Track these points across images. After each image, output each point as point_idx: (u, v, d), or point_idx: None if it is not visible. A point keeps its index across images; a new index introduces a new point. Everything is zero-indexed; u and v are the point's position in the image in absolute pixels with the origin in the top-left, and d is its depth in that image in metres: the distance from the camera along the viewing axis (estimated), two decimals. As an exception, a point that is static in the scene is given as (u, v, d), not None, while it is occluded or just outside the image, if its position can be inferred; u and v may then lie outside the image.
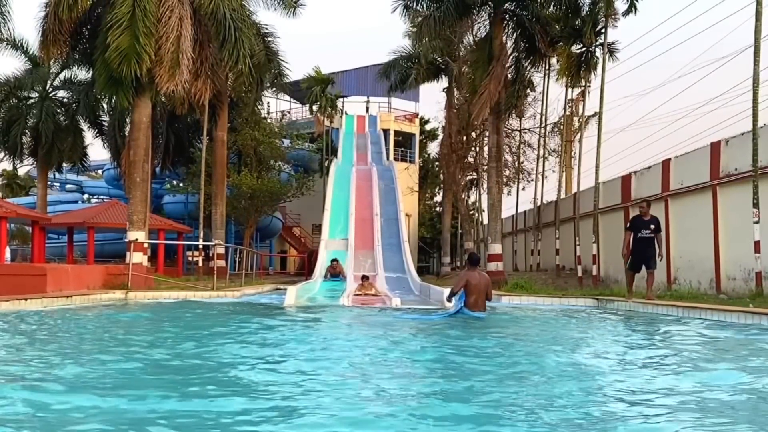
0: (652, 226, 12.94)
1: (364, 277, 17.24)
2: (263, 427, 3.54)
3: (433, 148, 47.65)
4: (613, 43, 24.41)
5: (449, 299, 11.46)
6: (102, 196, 44.41)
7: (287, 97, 43.38)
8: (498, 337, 8.28)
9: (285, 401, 4.18)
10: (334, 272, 20.57)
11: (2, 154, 32.74)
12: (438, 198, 47.92)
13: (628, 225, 13.28)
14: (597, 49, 24.04)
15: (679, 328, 9.25)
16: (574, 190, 27.30)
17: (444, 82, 33.87)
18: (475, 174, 37.39)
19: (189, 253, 32.39)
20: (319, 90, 36.87)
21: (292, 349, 6.96)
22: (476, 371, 5.59)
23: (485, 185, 30.32)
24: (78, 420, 3.65)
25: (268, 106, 42.15)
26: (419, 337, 8.40)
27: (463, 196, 36.26)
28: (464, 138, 33.53)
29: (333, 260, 21.08)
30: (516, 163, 33.93)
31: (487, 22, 23.75)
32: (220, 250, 25.07)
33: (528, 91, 28.52)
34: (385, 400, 4.24)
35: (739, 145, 15.80)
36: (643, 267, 13.30)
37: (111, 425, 3.53)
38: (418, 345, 7.59)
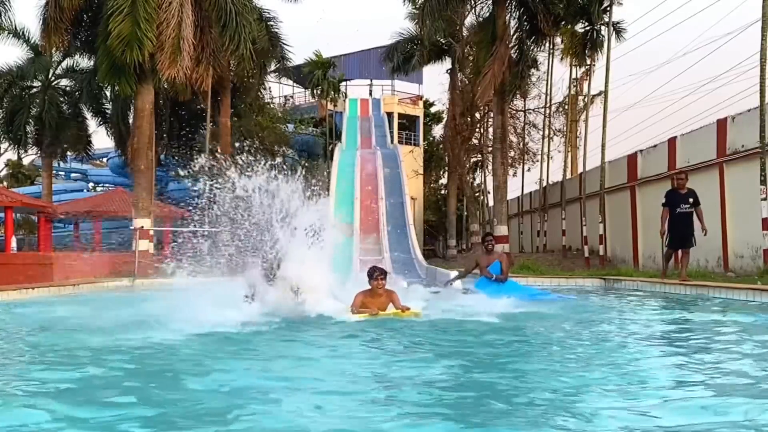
0: (691, 200, 11.78)
1: (376, 273, 8.09)
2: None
3: (438, 130, 47.43)
4: (619, 22, 24.14)
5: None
6: (107, 185, 44.47)
7: (290, 82, 43.20)
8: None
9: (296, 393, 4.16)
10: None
11: (7, 144, 32.81)
12: (443, 181, 47.74)
13: (663, 200, 12.18)
14: (602, 28, 23.81)
15: (693, 309, 9.22)
16: (580, 170, 27.20)
17: (447, 63, 33.63)
18: (480, 156, 37.25)
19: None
20: (321, 74, 36.61)
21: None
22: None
23: (490, 167, 30.17)
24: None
25: (271, 92, 42.04)
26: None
27: (468, 178, 36.14)
28: (468, 119, 33.36)
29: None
30: (521, 144, 33.80)
31: (490, 2, 23.54)
32: (226, 236, 25.08)
33: (532, 71, 28.31)
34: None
35: (745, 122, 15.68)
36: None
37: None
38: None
